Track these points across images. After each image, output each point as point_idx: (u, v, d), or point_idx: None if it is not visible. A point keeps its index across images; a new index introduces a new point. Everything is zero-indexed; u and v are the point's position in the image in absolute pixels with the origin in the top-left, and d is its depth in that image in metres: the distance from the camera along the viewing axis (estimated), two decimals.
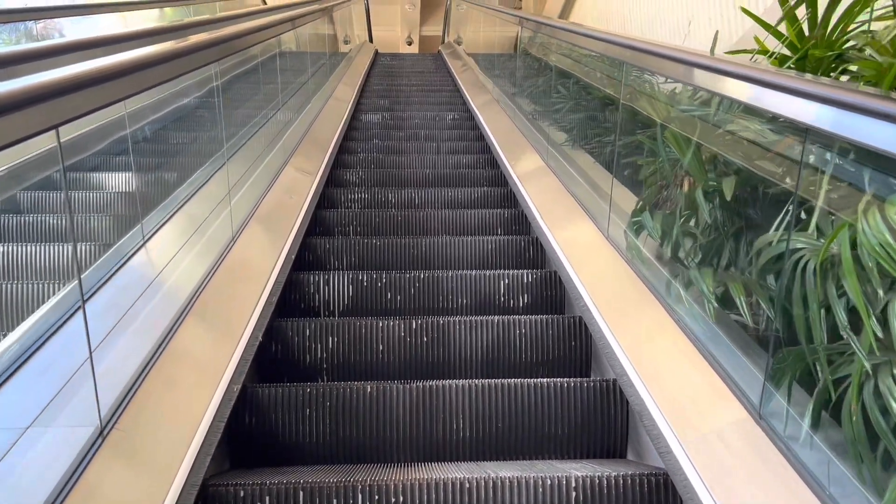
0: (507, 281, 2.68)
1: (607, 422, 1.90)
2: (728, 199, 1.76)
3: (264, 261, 2.48)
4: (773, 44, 2.17)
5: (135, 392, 1.51)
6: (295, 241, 2.84)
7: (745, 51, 2.36)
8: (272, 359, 2.28)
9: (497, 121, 4.91)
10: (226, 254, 2.29)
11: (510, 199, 3.77)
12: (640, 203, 2.31)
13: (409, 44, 16.35)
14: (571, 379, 1.95)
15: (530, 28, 4.93)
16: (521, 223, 3.43)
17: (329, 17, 6.68)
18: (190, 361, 1.79)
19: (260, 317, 2.19)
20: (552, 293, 2.65)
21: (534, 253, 3.05)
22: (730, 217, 1.87)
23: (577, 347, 2.26)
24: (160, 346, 1.69)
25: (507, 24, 6.42)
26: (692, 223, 2.01)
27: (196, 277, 2.08)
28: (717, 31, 2.51)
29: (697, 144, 1.98)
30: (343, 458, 1.91)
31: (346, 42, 8.62)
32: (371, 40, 11.08)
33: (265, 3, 8.75)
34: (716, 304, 1.73)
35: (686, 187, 2.05)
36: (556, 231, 2.85)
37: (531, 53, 5.10)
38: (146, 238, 2.08)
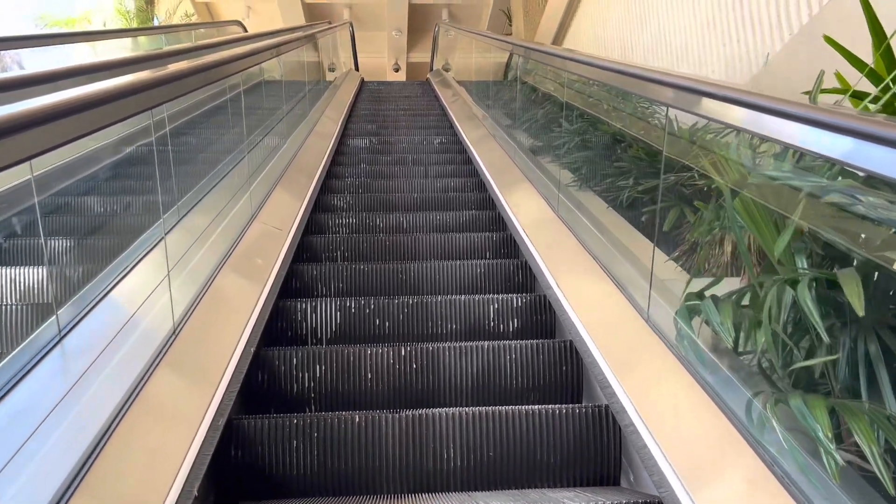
0: (496, 305, 2.65)
1: (600, 448, 1.87)
2: (860, 312, 1.25)
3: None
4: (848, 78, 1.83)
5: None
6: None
7: (825, 90, 1.93)
8: (259, 389, 2.24)
9: (495, 159, 4.48)
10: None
11: (499, 223, 3.77)
12: (690, 284, 1.90)
13: (397, 70, 16.44)
14: (563, 405, 1.92)
15: (534, 59, 4.28)
16: (509, 246, 3.41)
17: (312, 46, 6.61)
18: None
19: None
20: (542, 317, 2.63)
21: (523, 277, 3.04)
22: (846, 325, 1.39)
23: (567, 372, 2.23)
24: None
25: (497, 49, 6.06)
26: (766, 312, 1.48)
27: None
28: (821, 72, 1.91)
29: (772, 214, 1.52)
30: (331, 490, 1.86)
31: (331, 70, 8.59)
32: (357, 68, 11.00)
33: (246, 31, 8.74)
34: (841, 460, 1.22)
35: (758, 269, 1.63)
36: (577, 307, 2.32)
37: (528, 82, 4.65)
38: (63, 332, 1.65)
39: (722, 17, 4.17)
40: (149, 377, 1.71)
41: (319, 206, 4.05)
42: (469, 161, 5.02)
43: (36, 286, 2.08)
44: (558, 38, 8.36)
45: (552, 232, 3.01)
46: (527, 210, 3.41)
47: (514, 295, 2.69)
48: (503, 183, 3.95)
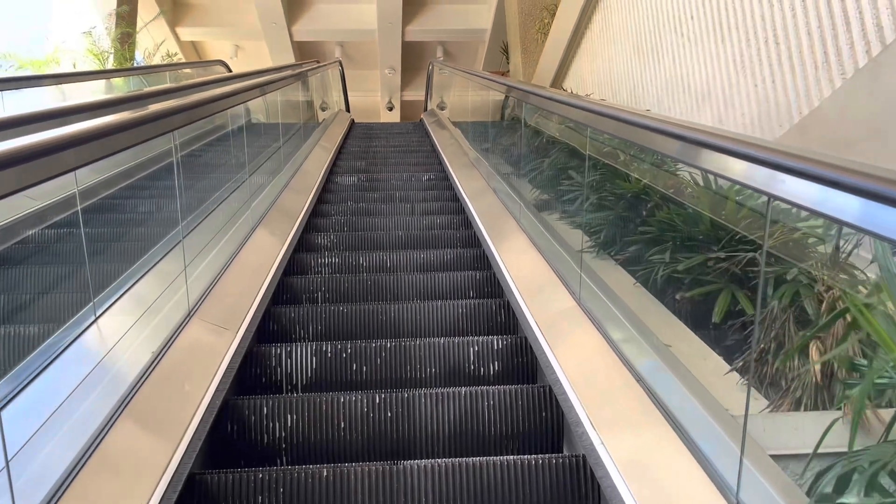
0: (476, 348, 2.58)
1: (578, 500, 1.78)
2: None
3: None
4: None
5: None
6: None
7: None
8: (228, 440, 2.16)
9: (498, 222, 3.77)
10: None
11: (482, 261, 3.72)
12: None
13: (391, 109, 16.53)
14: (540, 456, 1.84)
15: (533, 103, 3.56)
16: (493, 285, 3.36)
17: (298, 87, 6.43)
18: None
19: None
20: (523, 359, 2.56)
21: (505, 317, 2.97)
22: None
23: (547, 418, 2.15)
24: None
25: (494, 87, 5.39)
26: None
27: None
28: None
29: None
30: None
31: (323, 109, 8.55)
32: (347, 109, 10.75)
33: (230, 70, 8.66)
34: None
35: None
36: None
37: (531, 125, 3.99)
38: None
39: (753, 53, 3.65)
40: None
41: (303, 245, 4.00)
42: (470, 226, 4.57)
43: None
44: (559, 76, 7.73)
45: (578, 335, 2.29)
46: (541, 301, 2.66)
47: (495, 337, 2.63)
48: (507, 253, 3.36)
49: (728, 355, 1.56)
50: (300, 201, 4.57)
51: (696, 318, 1.70)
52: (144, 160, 3.18)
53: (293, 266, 3.65)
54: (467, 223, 4.38)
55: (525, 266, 3.09)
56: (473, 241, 4.04)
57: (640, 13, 5.48)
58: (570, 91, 7.10)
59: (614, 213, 2.49)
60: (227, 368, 2.24)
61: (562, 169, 3.26)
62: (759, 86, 3.59)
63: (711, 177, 1.52)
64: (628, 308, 2.09)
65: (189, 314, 2.35)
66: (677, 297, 1.74)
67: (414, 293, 3.34)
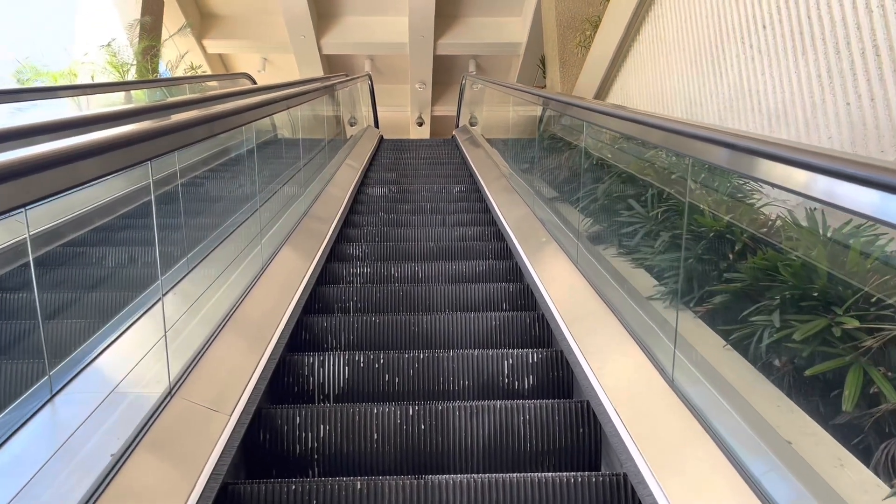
0: (511, 361, 2.54)
1: None
2: None
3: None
4: None
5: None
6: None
7: None
8: (260, 449, 2.14)
9: (542, 252, 3.32)
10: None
11: (515, 273, 3.67)
12: None
13: (420, 125, 16.47)
14: (579, 473, 1.78)
15: (595, 122, 3.06)
16: (526, 297, 3.31)
17: (324, 101, 6.28)
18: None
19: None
20: (559, 374, 2.50)
21: (540, 330, 2.92)
22: None
23: (584, 435, 2.09)
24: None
25: (531, 103, 4.98)
26: None
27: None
28: None
29: None
30: None
31: (351, 124, 8.46)
32: (377, 125, 10.55)
33: (255, 83, 8.55)
34: None
35: None
36: None
37: (572, 144, 3.49)
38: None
39: (845, 67, 3.17)
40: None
41: (334, 255, 4.01)
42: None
43: None
44: (602, 91, 7.10)
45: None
46: (620, 377, 2.12)
47: (530, 350, 2.57)
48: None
49: (846, 437, 1.19)
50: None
51: (805, 389, 1.34)
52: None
53: (325, 276, 3.65)
54: (499, 235, 4.34)
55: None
56: (506, 253, 4.00)
57: (698, 23, 5.01)
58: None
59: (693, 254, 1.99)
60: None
61: (619, 197, 2.86)
62: (853, 104, 3.10)
63: (819, 217, 1.08)
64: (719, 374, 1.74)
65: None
66: (776, 362, 1.35)
67: (446, 304, 3.31)
